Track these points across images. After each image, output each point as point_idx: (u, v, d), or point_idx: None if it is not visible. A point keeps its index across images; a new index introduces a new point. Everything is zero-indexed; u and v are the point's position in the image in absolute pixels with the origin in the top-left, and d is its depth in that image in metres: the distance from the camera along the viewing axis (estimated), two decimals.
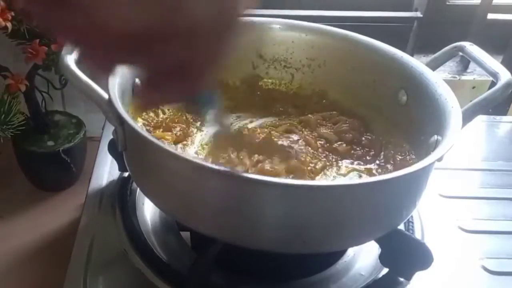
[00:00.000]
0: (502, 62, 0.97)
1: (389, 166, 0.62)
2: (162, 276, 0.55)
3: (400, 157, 0.62)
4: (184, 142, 0.63)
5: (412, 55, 0.74)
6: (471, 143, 0.87)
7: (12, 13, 0.65)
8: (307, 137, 0.64)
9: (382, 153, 0.64)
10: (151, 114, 0.65)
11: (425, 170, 0.51)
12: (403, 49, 0.67)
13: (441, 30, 1.07)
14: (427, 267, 0.55)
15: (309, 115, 0.69)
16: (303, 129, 0.67)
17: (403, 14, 1.10)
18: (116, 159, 0.69)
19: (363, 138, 0.66)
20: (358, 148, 0.64)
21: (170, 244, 0.61)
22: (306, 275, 0.59)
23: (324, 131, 0.66)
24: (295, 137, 0.64)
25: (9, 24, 0.65)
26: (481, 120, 0.92)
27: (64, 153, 0.82)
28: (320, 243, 0.50)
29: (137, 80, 0.62)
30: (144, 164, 0.54)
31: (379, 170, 0.61)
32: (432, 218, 0.67)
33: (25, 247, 0.78)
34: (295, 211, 0.47)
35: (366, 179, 0.50)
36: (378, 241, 0.56)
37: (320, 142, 0.65)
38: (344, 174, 0.61)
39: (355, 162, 0.63)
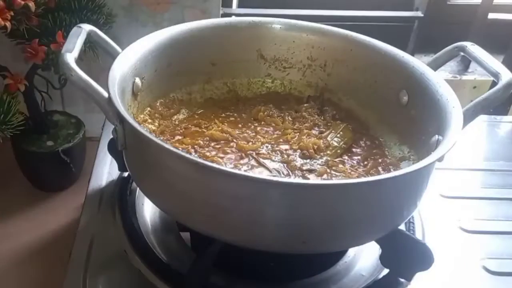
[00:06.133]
0: (503, 62, 0.97)
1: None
2: (162, 277, 0.55)
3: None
4: None
5: (412, 54, 0.74)
6: (472, 143, 0.87)
7: (12, 13, 0.65)
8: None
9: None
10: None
11: (426, 170, 0.51)
12: (403, 48, 0.67)
13: (442, 30, 1.07)
14: (428, 268, 0.55)
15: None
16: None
17: (404, 14, 1.10)
18: (115, 159, 0.69)
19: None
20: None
21: (170, 244, 0.61)
22: (306, 276, 0.59)
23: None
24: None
25: (8, 24, 0.65)
26: (482, 120, 0.92)
27: (63, 153, 0.82)
28: (320, 243, 0.50)
29: (137, 79, 0.62)
30: (143, 163, 0.54)
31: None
32: (433, 218, 0.67)
33: (25, 247, 0.78)
34: (295, 211, 0.47)
35: (366, 178, 0.50)
36: (378, 241, 0.56)
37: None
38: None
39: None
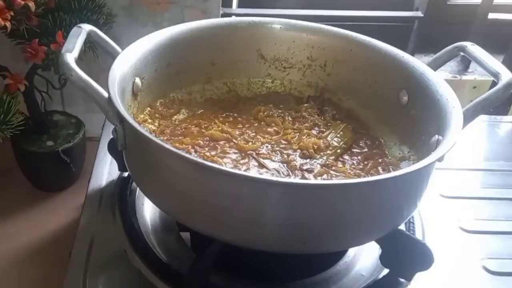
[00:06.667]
0: (503, 62, 0.97)
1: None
2: (162, 277, 0.55)
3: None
4: None
5: (412, 54, 0.74)
6: (472, 143, 0.87)
7: (12, 13, 0.65)
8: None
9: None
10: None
11: (426, 170, 0.51)
12: (403, 48, 0.67)
13: (442, 30, 1.07)
14: (428, 268, 0.55)
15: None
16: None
17: (404, 14, 1.10)
18: (115, 159, 0.69)
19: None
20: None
21: (170, 244, 0.61)
22: (306, 276, 0.59)
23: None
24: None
25: (8, 24, 0.65)
26: (482, 120, 0.92)
27: (63, 153, 0.82)
28: (320, 243, 0.50)
29: (137, 79, 0.62)
30: (143, 163, 0.54)
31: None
32: (433, 218, 0.67)
33: (25, 247, 0.78)
34: (295, 211, 0.47)
35: (366, 178, 0.50)
36: (378, 241, 0.56)
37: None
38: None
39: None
